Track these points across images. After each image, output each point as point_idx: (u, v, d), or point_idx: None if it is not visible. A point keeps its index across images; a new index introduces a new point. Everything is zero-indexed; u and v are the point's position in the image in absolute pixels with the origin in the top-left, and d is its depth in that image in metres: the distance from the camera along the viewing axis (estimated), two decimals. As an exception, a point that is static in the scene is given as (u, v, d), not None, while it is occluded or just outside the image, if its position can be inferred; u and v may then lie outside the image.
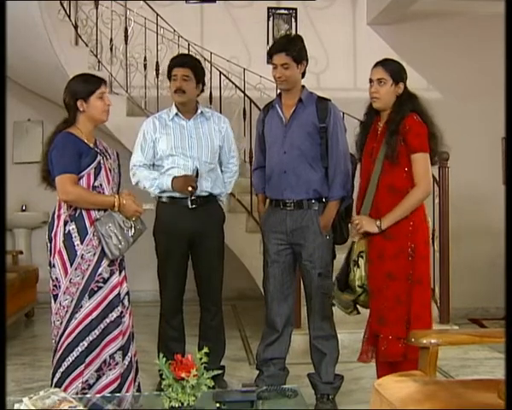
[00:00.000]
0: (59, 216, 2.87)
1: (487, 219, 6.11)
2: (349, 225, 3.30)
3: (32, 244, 6.25)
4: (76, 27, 5.41)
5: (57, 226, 2.86)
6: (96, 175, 2.87)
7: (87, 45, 5.42)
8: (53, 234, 2.86)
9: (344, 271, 2.94)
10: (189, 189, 3.36)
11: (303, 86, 3.31)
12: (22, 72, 5.54)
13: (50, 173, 2.89)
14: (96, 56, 5.38)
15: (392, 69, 2.92)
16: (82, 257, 2.81)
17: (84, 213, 2.84)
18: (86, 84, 2.91)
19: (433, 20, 6.42)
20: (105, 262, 2.86)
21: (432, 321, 2.90)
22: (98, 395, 2.70)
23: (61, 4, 5.28)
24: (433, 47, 6.38)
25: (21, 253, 5.82)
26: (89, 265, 2.82)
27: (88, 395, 2.68)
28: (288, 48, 3.19)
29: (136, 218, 2.95)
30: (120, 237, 2.83)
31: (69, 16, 5.34)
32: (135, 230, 2.91)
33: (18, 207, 6.30)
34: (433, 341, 2.28)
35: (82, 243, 2.82)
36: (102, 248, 2.83)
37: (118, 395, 2.73)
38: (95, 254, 2.83)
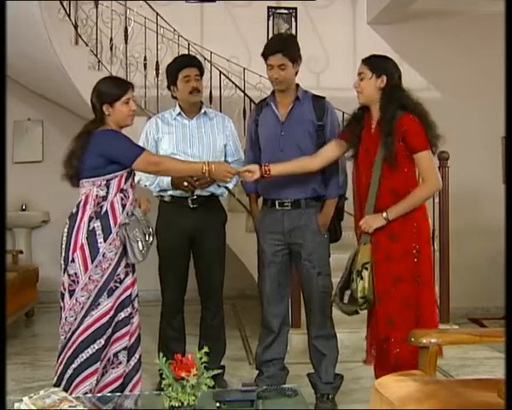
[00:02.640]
0: (84, 211, 2.85)
1: (487, 219, 6.11)
2: (341, 223, 3.30)
3: (32, 244, 6.24)
4: (76, 27, 5.41)
5: (81, 221, 2.84)
6: (127, 179, 2.90)
7: (87, 45, 5.41)
8: (75, 229, 2.84)
9: (346, 281, 2.87)
10: (185, 183, 3.36)
11: (297, 84, 3.30)
12: (22, 71, 5.54)
13: (79, 172, 2.86)
14: (96, 56, 5.38)
15: (372, 63, 2.87)
16: (104, 255, 2.81)
17: (109, 211, 2.84)
18: (113, 89, 2.91)
19: (433, 20, 6.42)
20: (124, 263, 2.87)
21: (438, 321, 2.86)
22: (98, 395, 2.71)
23: (61, 4, 5.27)
24: (433, 46, 6.38)
25: (21, 252, 5.81)
26: (110, 264, 2.82)
27: (88, 395, 2.68)
28: (285, 48, 3.17)
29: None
30: (144, 243, 2.85)
31: (69, 15, 5.33)
32: (152, 237, 2.94)
33: (18, 207, 6.29)
34: (433, 340, 2.28)
35: (105, 241, 2.81)
36: (125, 251, 2.84)
37: (118, 394, 2.74)
38: (116, 253, 2.84)
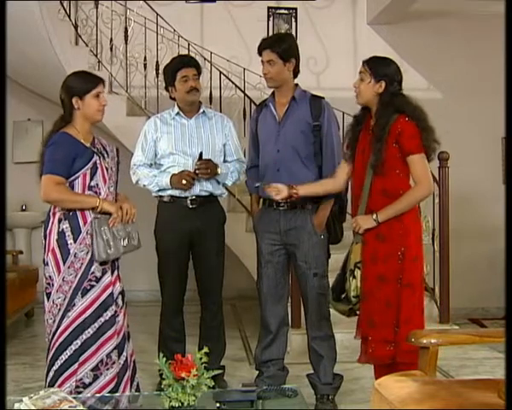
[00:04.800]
0: (54, 214, 2.86)
1: (487, 219, 6.11)
2: (343, 224, 3.29)
3: (32, 244, 6.24)
4: (76, 27, 5.41)
5: (52, 224, 2.85)
6: (92, 175, 2.86)
7: (87, 45, 5.42)
8: (47, 232, 2.86)
9: (339, 280, 2.89)
10: (183, 182, 3.36)
11: (296, 85, 3.31)
12: (22, 71, 5.54)
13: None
14: (96, 56, 5.38)
15: (373, 66, 2.83)
16: (75, 256, 2.81)
17: (77, 212, 2.83)
18: (83, 82, 2.88)
19: (433, 20, 6.42)
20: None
21: (424, 323, 2.84)
22: (98, 395, 2.70)
23: (61, 4, 5.28)
24: (433, 47, 6.38)
25: (21, 253, 5.82)
26: (82, 263, 2.81)
27: (88, 395, 2.68)
28: (274, 44, 3.21)
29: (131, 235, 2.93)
30: (111, 243, 2.81)
31: (69, 16, 5.33)
32: (128, 242, 2.89)
33: (18, 207, 6.30)
34: (433, 341, 2.28)
35: (75, 241, 2.81)
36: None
37: (116, 394, 2.73)
38: (88, 252, 2.82)
